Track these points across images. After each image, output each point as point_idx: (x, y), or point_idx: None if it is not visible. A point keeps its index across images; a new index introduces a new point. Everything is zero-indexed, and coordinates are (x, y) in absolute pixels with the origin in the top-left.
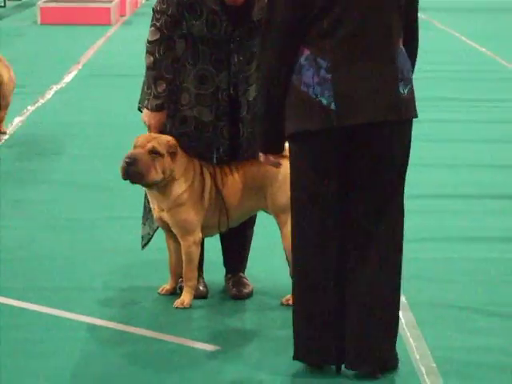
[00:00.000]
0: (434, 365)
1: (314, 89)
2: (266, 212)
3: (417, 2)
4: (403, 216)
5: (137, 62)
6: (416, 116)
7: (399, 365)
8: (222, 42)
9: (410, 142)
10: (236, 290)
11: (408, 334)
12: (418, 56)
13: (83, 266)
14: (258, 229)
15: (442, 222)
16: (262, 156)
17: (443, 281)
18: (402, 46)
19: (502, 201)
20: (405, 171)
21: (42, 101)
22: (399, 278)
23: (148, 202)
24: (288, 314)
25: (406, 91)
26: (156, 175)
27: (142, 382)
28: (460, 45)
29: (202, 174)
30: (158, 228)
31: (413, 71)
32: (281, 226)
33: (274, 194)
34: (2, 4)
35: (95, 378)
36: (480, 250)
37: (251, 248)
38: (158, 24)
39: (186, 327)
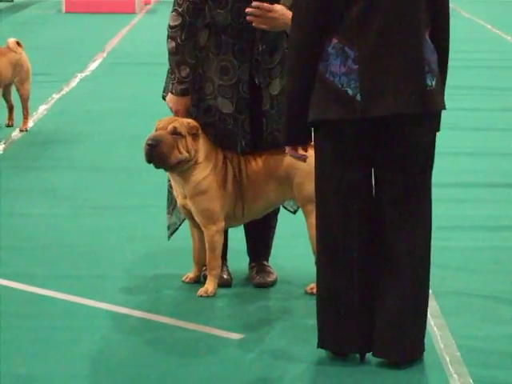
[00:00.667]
0: (459, 354)
1: (340, 78)
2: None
3: None
4: (431, 205)
5: (161, 50)
6: (444, 108)
7: (424, 354)
8: (246, 32)
9: (436, 133)
10: (260, 278)
11: (432, 322)
12: None
13: (107, 253)
14: (282, 217)
15: (465, 210)
16: (287, 149)
17: (467, 270)
18: (428, 38)
19: None
20: (432, 162)
21: (66, 89)
22: (428, 268)
23: (172, 192)
24: (312, 303)
25: (433, 83)
26: (179, 155)
27: (165, 369)
28: (485, 33)
29: (224, 162)
30: (185, 219)
31: (446, 64)
32: (307, 215)
33: (301, 184)
34: None
35: (118, 366)
36: (504, 238)
37: (275, 236)
38: (179, 9)
39: (209, 315)
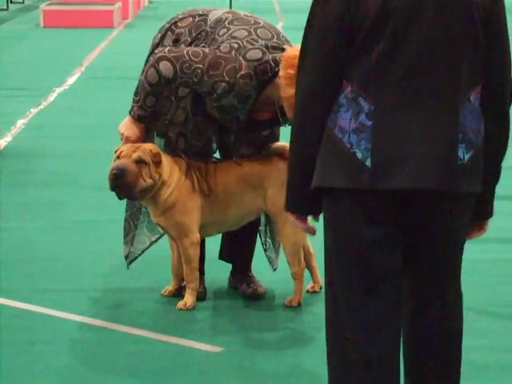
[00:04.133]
0: None
1: (349, 136)
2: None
3: (504, 32)
4: (461, 301)
5: (139, 64)
6: (479, 190)
7: None
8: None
9: (468, 217)
10: (252, 289)
11: None
12: None
13: (85, 267)
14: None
15: None
16: (291, 217)
17: None
18: (473, 98)
19: (502, 202)
20: (462, 250)
21: (44, 103)
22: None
23: (129, 222)
24: (291, 315)
25: (466, 157)
26: (144, 183)
27: (145, 383)
28: None
29: (189, 172)
30: (147, 248)
31: (502, 137)
32: (280, 227)
33: (274, 197)
34: (5, 7)
35: (98, 380)
36: (483, 251)
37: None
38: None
39: (189, 328)
